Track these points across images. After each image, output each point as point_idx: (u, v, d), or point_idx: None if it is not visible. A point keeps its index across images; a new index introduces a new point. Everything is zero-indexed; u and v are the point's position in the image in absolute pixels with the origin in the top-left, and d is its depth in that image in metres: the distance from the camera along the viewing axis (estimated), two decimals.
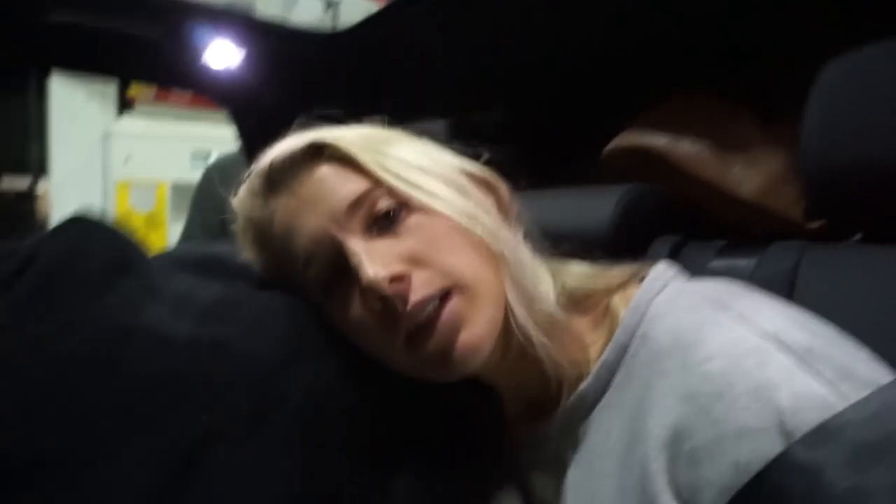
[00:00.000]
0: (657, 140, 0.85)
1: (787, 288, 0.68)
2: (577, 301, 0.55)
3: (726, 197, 0.81)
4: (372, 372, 0.51)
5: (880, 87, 0.63)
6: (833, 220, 0.74)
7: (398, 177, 0.50)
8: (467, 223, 0.50)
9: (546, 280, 0.55)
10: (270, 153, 0.53)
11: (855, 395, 0.38)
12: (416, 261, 0.47)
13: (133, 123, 3.34)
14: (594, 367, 0.50)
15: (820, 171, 0.68)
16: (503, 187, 0.57)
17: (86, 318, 0.40)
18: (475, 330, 0.47)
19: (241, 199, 0.56)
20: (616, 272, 0.57)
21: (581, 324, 0.55)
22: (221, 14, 1.19)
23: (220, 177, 1.56)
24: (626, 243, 0.82)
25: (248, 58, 1.25)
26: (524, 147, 1.25)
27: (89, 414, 0.37)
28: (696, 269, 0.66)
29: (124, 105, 3.48)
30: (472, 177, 0.55)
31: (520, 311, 0.50)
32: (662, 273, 0.53)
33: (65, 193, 2.90)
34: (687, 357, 0.43)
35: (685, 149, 0.82)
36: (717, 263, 0.75)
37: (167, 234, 3.18)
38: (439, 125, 1.12)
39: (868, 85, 0.64)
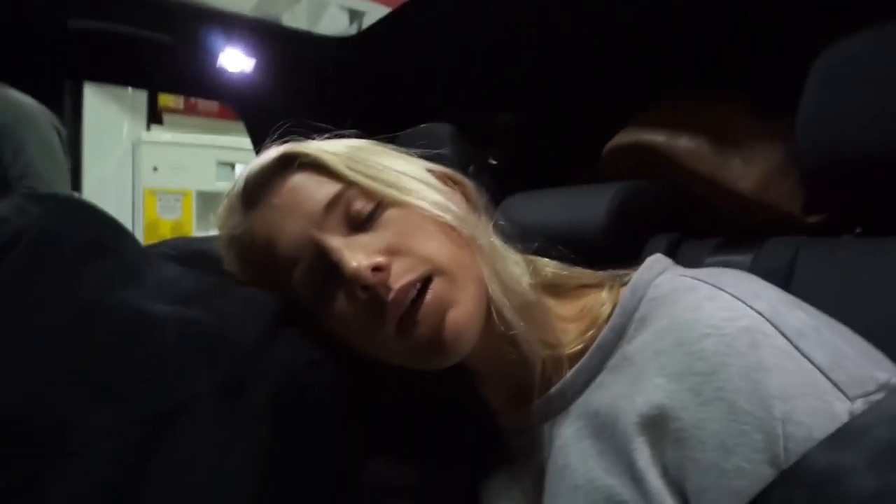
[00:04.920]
0: (655, 137, 0.85)
1: (783, 283, 0.66)
2: (548, 288, 0.57)
3: (724, 192, 0.80)
4: (350, 358, 0.51)
5: (875, 75, 0.61)
6: (832, 214, 0.72)
7: (368, 176, 0.52)
8: (438, 212, 0.52)
9: (518, 264, 0.56)
10: (244, 171, 0.56)
11: (847, 380, 0.38)
12: (394, 251, 0.49)
13: (161, 134, 3.43)
14: (590, 350, 0.50)
15: (817, 164, 0.66)
16: (468, 183, 0.59)
17: (59, 294, 0.41)
18: (462, 309, 0.48)
19: (221, 217, 0.58)
20: (587, 272, 0.58)
21: (555, 309, 0.55)
22: (234, 19, 1.22)
23: None
24: (620, 240, 0.81)
25: (260, 62, 1.28)
26: (529, 149, 1.26)
27: (58, 384, 0.38)
28: (692, 265, 0.65)
29: (154, 117, 3.58)
30: (436, 174, 0.58)
31: (495, 291, 0.51)
32: (659, 260, 0.53)
33: (97, 202, 2.99)
34: (682, 335, 0.43)
35: (683, 145, 0.82)
36: (713, 260, 0.74)
37: None
38: (444, 128, 1.13)
39: (863, 74, 0.62)
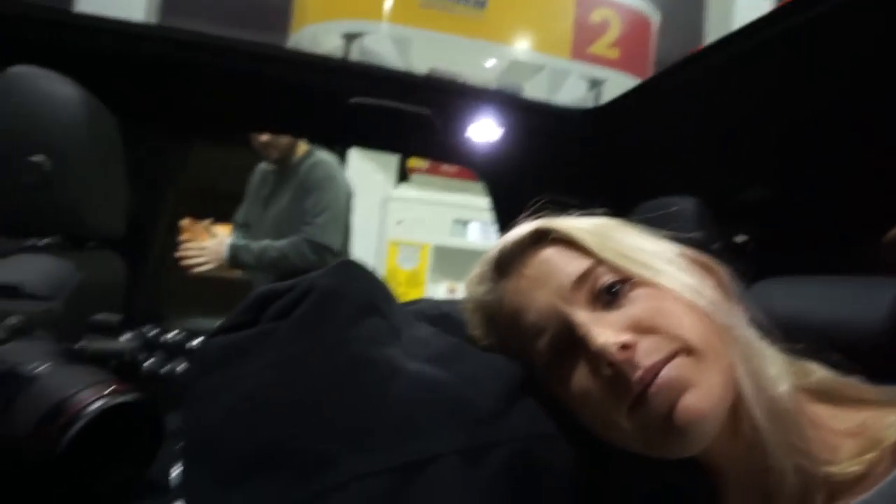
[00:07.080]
0: None
1: None
2: (816, 395, 0.50)
3: None
4: (583, 437, 0.51)
5: None
6: None
7: (619, 254, 0.52)
8: (691, 295, 0.49)
9: (776, 364, 0.50)
10: (499, 243, 0.59)
11: None
12: (642, 329, 0.48)
13: (408, 191, 3.79)
14: (883, 483, 0.43)
15: None
16: (722, 271, 0.56)
17: (335, 345, 0.47)
18: (701, 394, 0.45)
19: (472, 284, 0.61)
20: (868, 386, 0.50)
21: (826, 420, 0.48)
22: (484, 93, 1.32)
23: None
24: None
25: (507, 133, 1.36)
26: (784, 230, 1.14)
27: (323, 423, 0.44)
28: None
29: (403, 175, 3.98)
30: (689, 259, 0.55)
31: (746, 389, 0.47)
32: None
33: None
34: None
35: None
36: None
37: (424, 291, 3.50)
38: (689, 202, 1.08)
39: None
